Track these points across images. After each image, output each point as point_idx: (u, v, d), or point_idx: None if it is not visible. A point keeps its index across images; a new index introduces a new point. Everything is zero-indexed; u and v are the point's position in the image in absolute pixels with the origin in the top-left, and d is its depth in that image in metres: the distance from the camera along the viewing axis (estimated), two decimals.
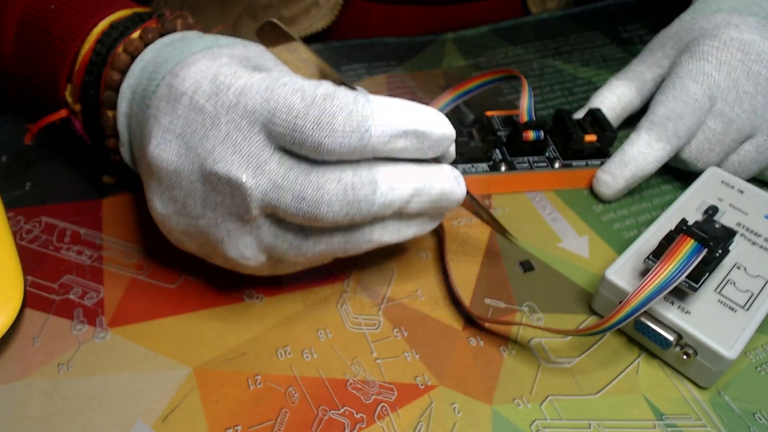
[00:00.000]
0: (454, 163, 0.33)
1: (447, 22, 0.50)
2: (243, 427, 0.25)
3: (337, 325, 0.28)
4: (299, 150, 0.23)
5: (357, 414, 0.25)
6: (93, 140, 0.31)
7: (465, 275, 0.31)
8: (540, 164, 0.35)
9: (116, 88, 0.28)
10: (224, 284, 0.30)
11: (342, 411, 0.25)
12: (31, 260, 0.30)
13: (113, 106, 0.28)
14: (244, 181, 0.23)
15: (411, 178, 0.25)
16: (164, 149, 0.24)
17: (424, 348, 0.28)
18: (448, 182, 0.26)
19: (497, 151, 0.35)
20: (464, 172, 0.34)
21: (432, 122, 0.24)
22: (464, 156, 0.34)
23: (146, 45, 0.28)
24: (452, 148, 0.27)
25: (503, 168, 0.34)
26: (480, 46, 0.46)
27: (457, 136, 0.32)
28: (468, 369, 0.27)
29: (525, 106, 0.35)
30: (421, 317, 0.29)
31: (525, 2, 0.52)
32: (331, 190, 0.23)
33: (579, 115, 0.37)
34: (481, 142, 0.33)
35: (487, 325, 0.29)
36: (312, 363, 0.27)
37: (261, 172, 0.23)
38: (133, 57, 0.28)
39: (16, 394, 0.25)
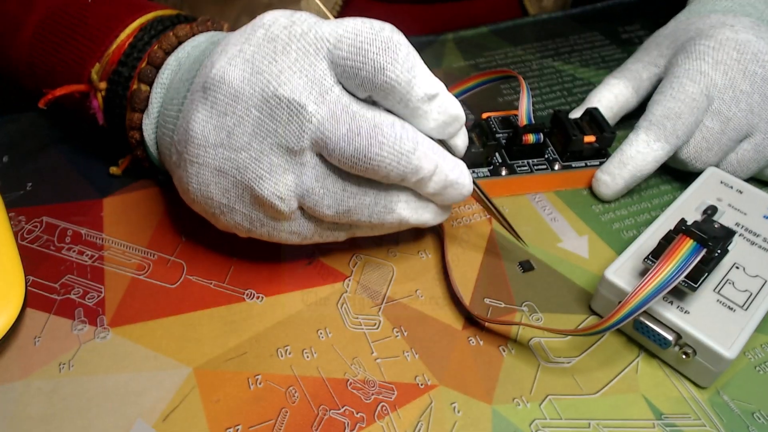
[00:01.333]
0: None
1: (446, 22, 0.50)
2: (243, 426, 0.25)
3: (337, 325, 0.28)
4: (356, 77, 0.24)
5: (357, 413, 0.25)
6: (107, 119, 0.31)
7: (465, 275, 0.31)
8: (540, 167, 0.35)
9: (158, 65, 0.29)
10: (224, 284, 0.30)
11: (342, 410, 0.25)
12: (32, 260, 0.30)
13: (149, 81, 0.29)
14: (306, 104, 0.24)
15: (438, 154, 0.26)
16: (229, 71, 0.24)
17: (424, 348, 0.28)
18: (462, 173, 0.27)
19: (497, 154, 0.35)
20: None
21: (450, 97, 0.26)
22: (465, 161, 0.34)
23: (195, 35, 0.30)
24: (461, 140, 0.29)
25: (504, 172, 0.34)
26: (479, 46, 0.47)
27: None
28: (468, 369, 0.27)
29: (524, 109, 0.35)
30: (421, 317, 0.29)
31: (522, 2, 0.52)
32: (386, 132, 0.24)
33: (576, 114, 0.37)
34: (481, 148, 0.33)
35: (487, 324, 0.29)
36: (312, 363, 0.27)
37: (323, 100, 0.24)
38: (181, 41, 0.30)
39: (16, 394, 0.25)
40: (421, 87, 0.25)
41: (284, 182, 0.25)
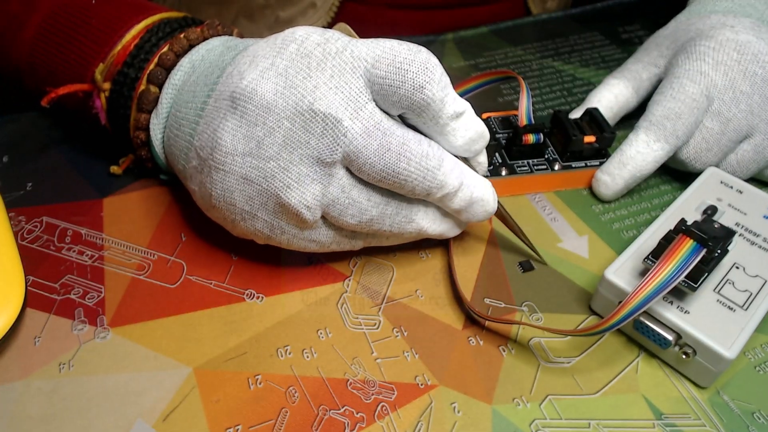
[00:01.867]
0: None
1: (446, 28, 0.50)
2: (243, 426, 0.25)
3: (337, 324, 0.28)
4: (394, 95, 0.25)
5: (357, 413, 0.25)
6: (110, 119, 0.31)
7: (465, 275, 0.31)
8: (540, 167, 0.35)
9: (169, 67, 0.30)
10: (224, 284, 0.30)
11: (342, 410, 0.25)
12: (32, 260, 0.30)
13: (159, 82, 0.29)
14: (342, 119, 0.24)
15: (463, 172, 0.27)
16: (262, 84, 0.25)
17: (424, 348, 0.28)
18: (488, 192, 0.28)
19: (497, 155, 0.35)
20: None
21: (475, 115, 0.27)
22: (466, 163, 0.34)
23: (205, 38, 0.31)
24: (484, 157, 0.29)
25: (504, 172, 0.34)
26: (479, 46, 0.47)
27: None
28: (468, 369, 0.27)
29: (524, 109, 0.35)
30: (421, 317, 0.29)
31: (526, 4, 0.52)
32: (413, 148, 0.25)
33: (576, 114, 0.37)
34: None
35: (487, 324, 0.29)
36: (312, 363, 0.27)
37: (357, 116, 0.25)
38: (192, 45, 0.30)
39: (16, 394, 0.25)
40: (452, 105, 0.26)
41: (311, 192, 0.25)
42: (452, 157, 0.27)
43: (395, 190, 0.26)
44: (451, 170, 0.26)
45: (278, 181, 0.25)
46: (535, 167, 0.35)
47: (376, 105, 0.26)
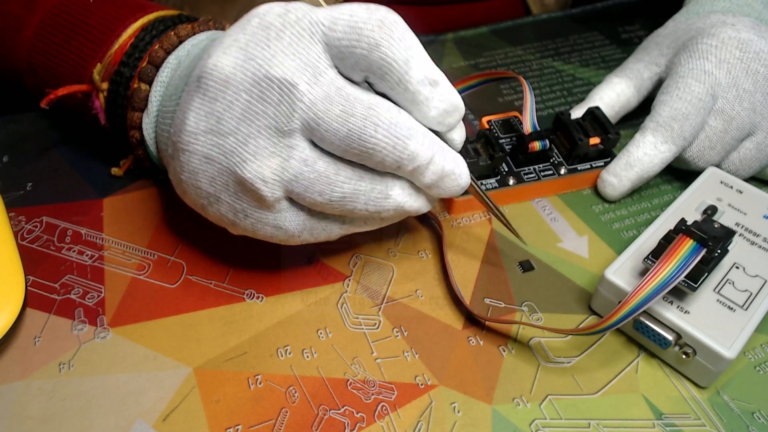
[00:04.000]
0: None
1: (447, 24, 0.50)
2: (243, 426, 0.25)
3: (337, 324, 0.28)
4: (351, 56, 0.24)
5: (357, 413, 0.25)
6: (109, 119, 0.31)
7: (465, 275, 0.31)
8: (546, 172, 0.34)
9: (158, 64, 0.29)
10: (224, 284, 0.30)
11: (342, 410, 0.25)
12: (32, 260, 0.30)
13: (149, 80, 0.29)
14: (297, 83, 0.23)
15: (434, 143, 0.26)
16: (222, 59, 0.24)
17: (424, 348, 0.28)
18: (460, 165, 0.27)
19: (503, 163, 0.35)
20: None
21: (450, 85, 0.26)
22: (473, 174, 0.33)
23: (195, 35, 0.30)
24: (458, 134, 0.28)
25: (511, 182, 0.34)
26: (480, 46, 0.47)
27: (464, 155, 0.31)
28: (468, 369, 0.27)
29: (528, 116, 0.34)
30: (421, 317, 0.29)
31: (525, 2, 0.52)
32: (381, 114, 0.24)
33: (577, 113, 0.37)
34: (489, 160, 0.33)
35: (487, 324, 0.29)
36: (312, 362, 0.27)
37: (316, 81, 0.24)
38: (182, 41, 0.30)
39: (16, 394, 0.25)
40: (421, 69, 0.24)
41: (269, 165, 0.24)
42: (424, 128, 0.26)
43: (363, 162, 0.25)
44: (422, 141, 0.25)
45: (236, 156, 0.24)
46: (542, 173, 0.34)
47: (339, 72, 0.25)
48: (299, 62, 0.24)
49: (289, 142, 0.24)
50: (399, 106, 0.25)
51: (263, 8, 0.25)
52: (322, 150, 0.25)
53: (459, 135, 0.28)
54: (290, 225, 0.26)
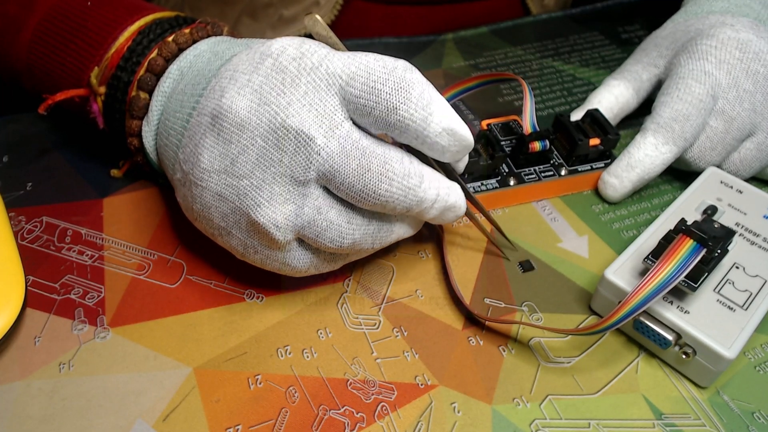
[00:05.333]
0: (464, 181, 0.33)
1: (447, 23, 0.50)
2: (243, 426, 0.25)
3: (337, 324, 0.28)
4: (369, 116, 0.24)
5: (357, 413, 0.25)
6: (107, 123, 0.31)
7: (465, 275, 0.31)
8: (547, 173, 0.34)
9: (158, 73, 0.29)
10: (224, 284, 0.30)
11: (342, 410, 0.25)
12: (32, 260, 0.30)
13: (149, 89, 0.29)
14: (315, 137, 0.24)
15: (438, 182, 0.27)
16: (237, 101, 0.24)
17: (424, 348, 0.28)
18: (458, 197, 0.28)
19: (503, 164, 0.35)
20: (475, 191, 0.33)
21: (466, 129, 0.26)
22: (473, 174, 0.33)
23: (194, 41, 0.30)
24: (464, 160, 0.29)
25: (512, 182, 0.34)
26: (479, 46, 0.47)
27: None
28: (468, 369, 0.27)
29: (528, 116, 0.34)
30: (421, 317, 0.29)
31: (525, 2, 0.52)
32: (395, 168, 0.25)
33: (576, 115, 0.37)
34: (489, 160, 0.33)
35: (487, 324, 0.29)
36: (312, 362, 0.27)
37: (332, 135, 0.24)
38: (181, 48, 0.29)
39: (16, 394, 0.25)
40: (439, 123, 0.25)
41: (282, 211, 0.25)
42: (431, 170, 0.27)
43: (376, 210, 0.26)
44: (430, 185, 0.26)
45: (250, 199, 0.25)
46: (542, 174, 0.34)
47: (354, 123, 0.25)
48: (316, 113, 0.24)
49: (304, 190, 0.25)
50: (414, 146, 0.26)
51: (276, 47, 0.25)
52: (334, 196, 0.26)
53: (464, 162, 0.29)
54: (298, 263, 0.27)
